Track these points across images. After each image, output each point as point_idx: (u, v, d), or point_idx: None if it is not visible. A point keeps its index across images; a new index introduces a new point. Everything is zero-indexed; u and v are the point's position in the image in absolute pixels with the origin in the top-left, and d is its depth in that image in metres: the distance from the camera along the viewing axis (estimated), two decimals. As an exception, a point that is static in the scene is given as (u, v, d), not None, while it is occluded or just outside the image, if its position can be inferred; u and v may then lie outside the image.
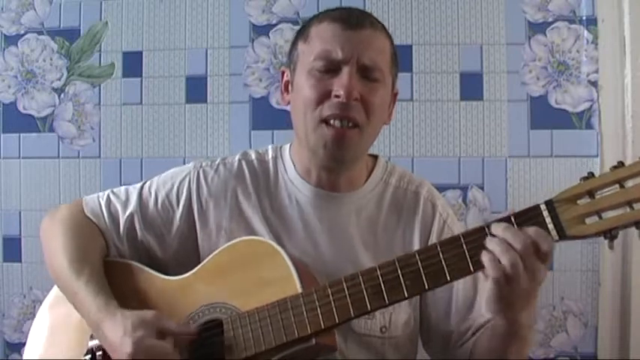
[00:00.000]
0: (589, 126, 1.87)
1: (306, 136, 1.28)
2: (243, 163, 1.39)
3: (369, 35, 1.26)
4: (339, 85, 1.23)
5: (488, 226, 1.07)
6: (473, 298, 1.31)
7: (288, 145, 1.41)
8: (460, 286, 1.30)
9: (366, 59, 1.24)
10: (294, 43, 1.34)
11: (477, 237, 1.07)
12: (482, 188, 1.90)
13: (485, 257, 1.05)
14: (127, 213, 1.36)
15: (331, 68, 1.24)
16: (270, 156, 1.40)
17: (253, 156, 1.41)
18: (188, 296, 1.26)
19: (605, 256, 1.84)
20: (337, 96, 1.23)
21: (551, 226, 1.05)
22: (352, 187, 1.34)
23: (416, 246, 1.31)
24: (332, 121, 1.24)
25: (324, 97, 1.24)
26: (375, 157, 1.41)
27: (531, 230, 1.04)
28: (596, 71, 1.86)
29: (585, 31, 1.87)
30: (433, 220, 1.34)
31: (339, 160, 1.28)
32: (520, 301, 1.06)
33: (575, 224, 1.04)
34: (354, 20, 1.26)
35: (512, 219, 1.07)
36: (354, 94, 1.22)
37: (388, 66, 1.29)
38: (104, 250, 1.35)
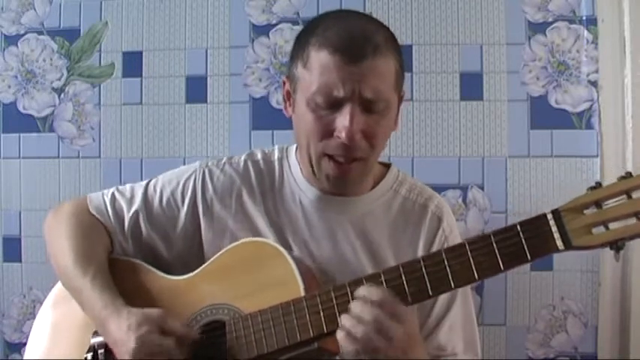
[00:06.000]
0: (589, 126, 1.87)
1: (310, 163, 1.28)
2: (249, 163, 1.39)
3: (370, 66, 1.19)
4: (341, 127, 1.19)
5: (494, 234, 1.08)
6: (442, 317, 1.31)
7: (295, 145, 1.40)
8: (438, 302, 1.31)
9: (368, 93, 1.19)
10: (292, 59, 1.28)
11: (481, 245, 1.08)
12: (482, 188, 1.90)
13: (339, 335, 1.08)
14: (132, 211, 1.36)
15: (332, 104, 1.21)
16: (276, 156, 1.40)
17: (259, 156, 1.41)
18: (191, 296, 1.26)
19: (605, 257, 1.83)
20: (339, 137, 1.20)
21: (557, 235, 1.04)
22: (357, 192, 1.34)
23: None
24: (335, 157, 1.23)
25: (326, 134, 1.22)
26: (388, 166, 1.40)
27: (380, 296, 1.07)
28: (596, 71, 1.86)
29: (585, 31, 1.87)
30: (435, 235, 1.34)
31: (342, 191, 1.30)
32: None
33: (582, 234, 1.03)
34: (355, 50, 1.18)
35: (519, 228, 1.06)
36: (356, 136, 1.20)
37: (392, 88, 1.24)
38: (109, 248, 1.35)
